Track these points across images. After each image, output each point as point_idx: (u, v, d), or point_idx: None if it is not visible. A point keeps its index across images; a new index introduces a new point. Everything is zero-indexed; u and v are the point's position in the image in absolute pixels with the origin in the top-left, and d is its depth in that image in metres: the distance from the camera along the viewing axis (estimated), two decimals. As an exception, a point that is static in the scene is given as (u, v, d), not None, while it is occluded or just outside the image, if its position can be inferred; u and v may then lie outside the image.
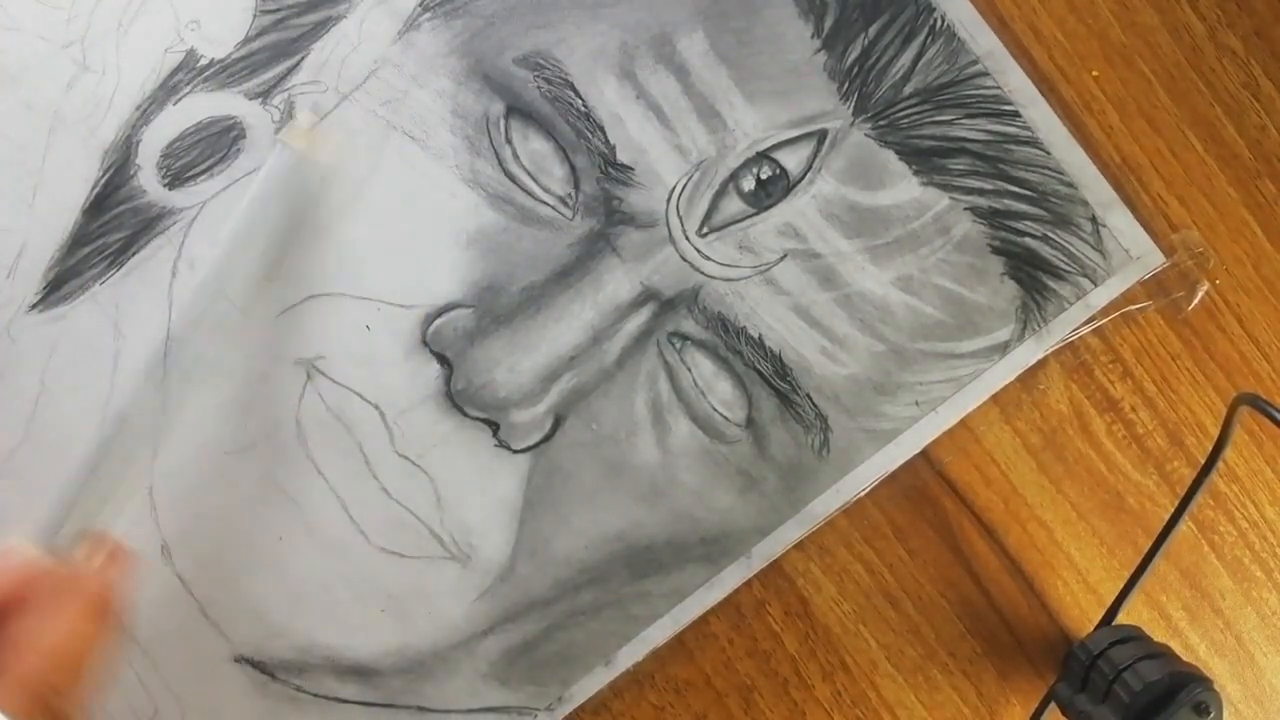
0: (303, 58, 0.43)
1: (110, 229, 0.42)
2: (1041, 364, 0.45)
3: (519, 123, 0.44)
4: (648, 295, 0.44)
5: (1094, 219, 0.45)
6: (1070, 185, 0.45)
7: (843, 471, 0.44)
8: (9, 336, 0.42)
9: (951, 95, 0.45)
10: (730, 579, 0.45)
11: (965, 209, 0.45)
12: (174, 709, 0.42)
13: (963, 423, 0.45)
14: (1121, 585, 0.45)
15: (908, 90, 0.45)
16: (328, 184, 0.43)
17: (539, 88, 0.44)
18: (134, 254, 0.42)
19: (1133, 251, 0.45)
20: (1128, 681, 0.40)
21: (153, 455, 0.42)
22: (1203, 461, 0.45)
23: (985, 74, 0.45)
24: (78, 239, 0.42)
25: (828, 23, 0.45)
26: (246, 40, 0.43)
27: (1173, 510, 0.45)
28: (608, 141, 0.44)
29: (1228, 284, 0.46)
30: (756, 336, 0.44)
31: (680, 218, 0.44)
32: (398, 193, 0.43)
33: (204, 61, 0.43)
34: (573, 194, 0.44)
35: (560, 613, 0.44)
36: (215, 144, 0.43)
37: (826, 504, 0.45)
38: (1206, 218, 0.46)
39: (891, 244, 0.45)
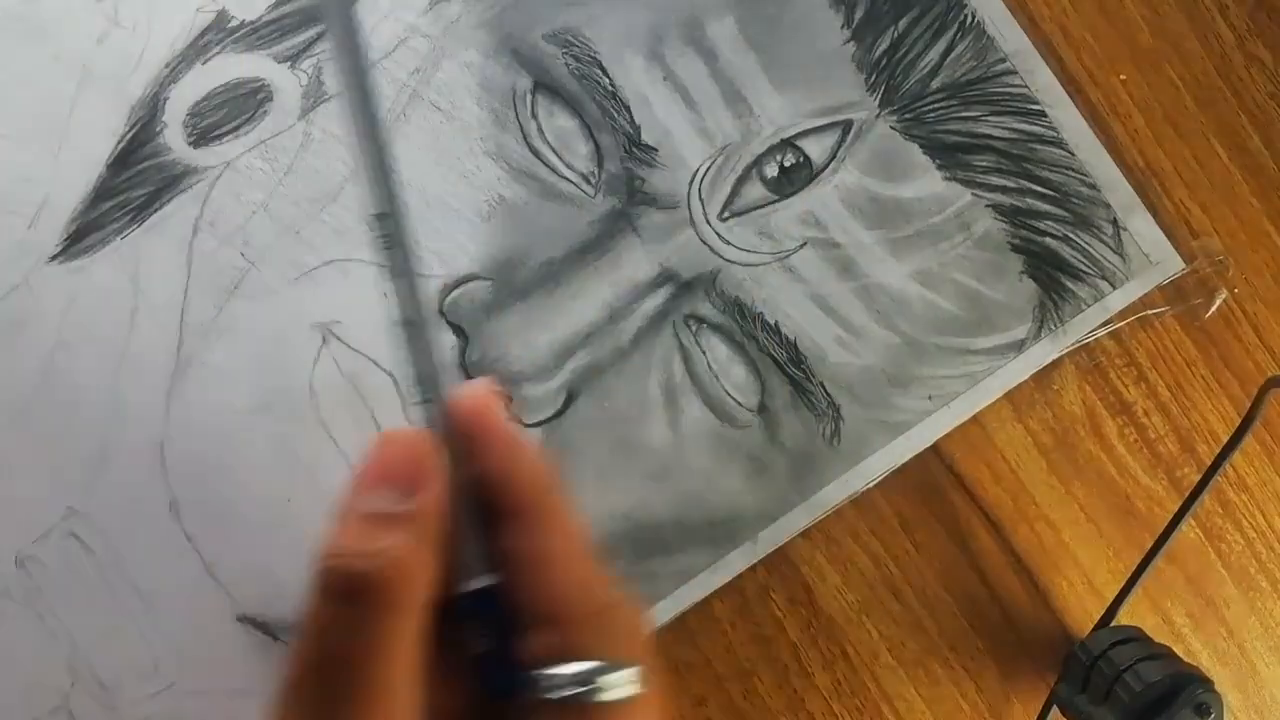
0: (333, 23, 0.43)
1: (134, 184, 0.43)
2: (1056, 364, 0.45)
3: (545, 99, 0.44)
4: (666, 276, 0.44)
5: (1115, 222, 0.45)
6: (1093, 187, 0.45)
7: (853, 461, 0.44)
8: (28, 286, 0.42)
9: (978, 92, 0.45)
10: (735, 563, 0.44)
11: (987, 206, 0.45)
12: (173, 664, 0.42)
13: (975, 419, 0.45)
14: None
15: (935, 85, 0.45)
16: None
17: (567, 65, 0.44)
18: (156, 210, 0.43)
19: (1152, 256, 0.45)
20: (1128, 682, 0.40)
21: (166, 412, 0.42)
22: (1212, 457, 0.45)
23: (1013, 72, 0.45)
24: (101, 192, 0.42)
25: (858, 14, 0.45)
26: (278, 3, 0.43)
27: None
28: (633, 121, 0.44)
29: (1246, 293, 0.46)
30: (773, 323, 0.44)
31: (702, 201, 0.44)
32: (421, 162, 0.43)
33: (234, 23, 0.43)
34: (596, 172, 0.44)
35: (564, 588, 0.44)
36: (242, 105, 0.43)
37: (835, 493, 0.44)
38: (1228, 226, 0.46)
39: (912, 237, 0.45)
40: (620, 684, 0.28)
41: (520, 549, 0.29)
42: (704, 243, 0.44)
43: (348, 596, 0.27)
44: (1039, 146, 0.45)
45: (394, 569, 0.27)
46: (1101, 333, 0.45)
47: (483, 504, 0.29)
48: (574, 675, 0.27)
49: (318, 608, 0.27)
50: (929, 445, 0.45)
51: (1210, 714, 0.39)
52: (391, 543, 0.27)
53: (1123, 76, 0.46)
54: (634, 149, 0.44)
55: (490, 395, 0.30)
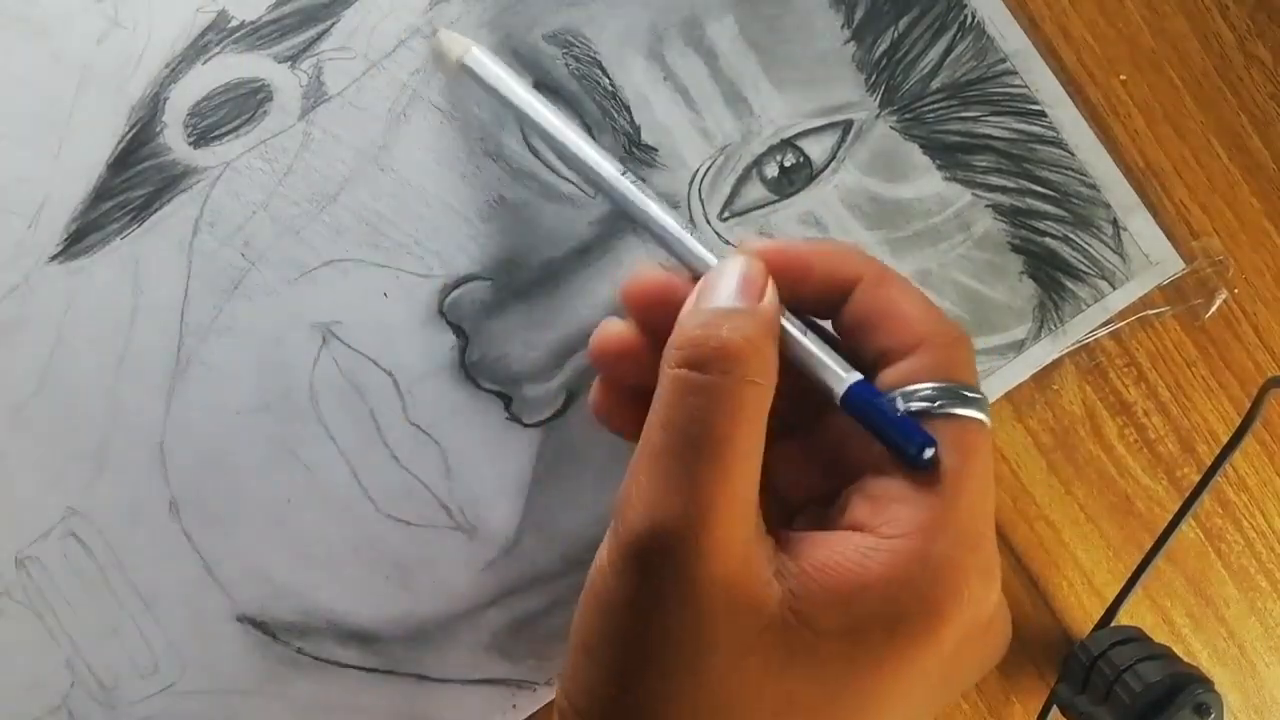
0: (333, 23, 0.43)
1: (134, 184, 0.43)
2: (1056, 364, 0.45)
3: (546, 99, 0.44)
4: (666, 276, 0.44)
5: (1115, 222, 0.45)
6: (1093, 187, 0.45)
7: (853, 461, 0.44)
8: (28, 286, 0.42)
9: (978, 92, 0.45)
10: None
11: (987, 206, 0.45)
12: (174, 665, 0.42)
13: (975, 419, 0.45)
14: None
15: (935, 85, 0.45)
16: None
17: (567, 65, 0.44)
18: (156, 210, 0.43)
19: (1152, 256, 0.45)
20: (1128, 682, 0.40)
21: (165, 412, 0.42)
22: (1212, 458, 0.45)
23: (1013, 72, 0.45)
24: (101, 193, 0.42)
25: (858, 14, 0.45)
26: (278, 3, 0.43)
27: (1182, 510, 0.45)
28: (633, 122, 0.44)
29: (1246, 293, 0.46)
30: (773, 323, 0.44)
31: (702, 201, 0.44)
32: (421, 163, 0.43)
33: (234, 23, 0.43)
34: (596, 172, 0.44)
35: (564, 588, 0.44)
36: (242, 105, 0.43)
37: (835, 493, 0.44)
38: (1228, 226, 0.46)
39: (912, 237, 0.45)
40: (977, 401, 0.31)
41: (874, 301, 0.33)
42: (704, 243, 0.44)
43: (704, 364, 0.30)
44: (1039, 146, 0.45)
45: (744, 342, 0.30)
46: (1101, 333, 0.45)
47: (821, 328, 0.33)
48: (939, 388, 0.31)
49: (677, 379, 0.30)
50: (929, 445, 0.45)
51: (1210, 714, 0.39)
52: (736, 324, 0.30)
53: (1123, 77, 0.46)
54: (634, 149, 0.44)
55: (756, 239, 0.35)
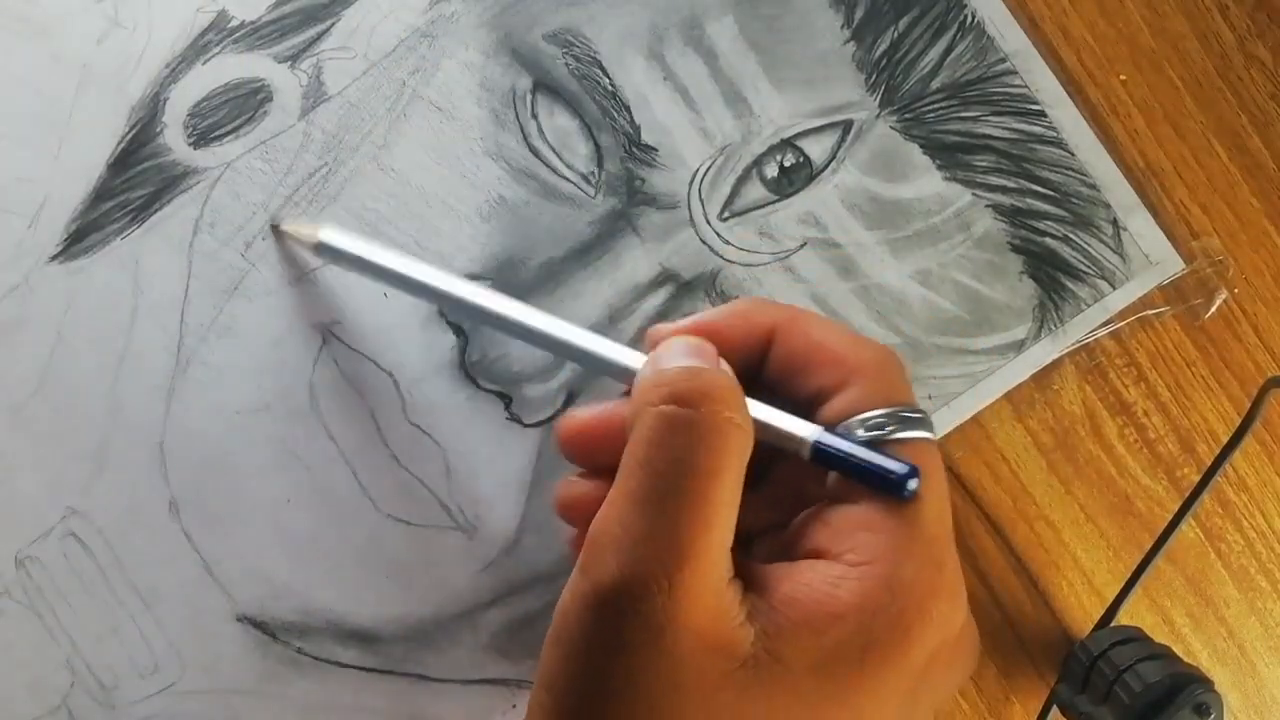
0: (333, 23, 0.43)
1: (134, 185, 0.42)
2: (1056, 364, 0.45)
3: (545, 99, 0.44)
4: (666, 276, 0.44)
5: (1115, 222, 0.45)
6: (1093, 187, 0.45)
7: (853, 461, 0.44)
8: (28, 286, 0.42)
9: (978, 92, 0.45)
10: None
11: (987, 206, 0.45)
12: (174, 665, 0.42)
13: (975, 419, 0.45)
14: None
15: (935, 85, 0.45)
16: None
17: (567, 65, 0.44)
18: (156, 211, 0.43)
19: (1152, 256, 0.45)
20: (1128, 682, 0.40)
21: (165, 412, 0.42)
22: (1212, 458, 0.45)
23: (1013, 72, 0.45)
24: (101, 193, 0.42)
25: (858, 14, 0.45)
26: (278, 3, 0.43)
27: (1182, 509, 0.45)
28: (633, 121, 0.44)
29: (1246, 293, 0.46)
30: (773, 323, 0.44)
31: (702, 201, 0.44)
32: (421, 163, 0.43)
33: (234, 23, 0.43)
34: (596, 172, 0.44)
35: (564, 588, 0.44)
36: (242, 105, 0.43)
37: (835, 493, 0.44)
38: (1228, 226, 0.46)
39: (912, 237, 0.45)
40: (921, 420, 0.31)
41: (796, 344, 0.33)
42: (704, 243, 0.44)
43: (691, 400, 0.29)
44: (1039, 146, 0.45)
45: (729, 380, 0.30)
46: (1102, 333, 0.45)
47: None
48: (884, 414, 0.31)
49: (662, 416, 0.29)
50: (929, 445, 0.45)
51: (1210, 714, 0.39)
52: (711, 370, 0.31)
53: (1123, 76, 0.46)
54: (634, 149, 0.44)
55: (665, 326, 0.34)
